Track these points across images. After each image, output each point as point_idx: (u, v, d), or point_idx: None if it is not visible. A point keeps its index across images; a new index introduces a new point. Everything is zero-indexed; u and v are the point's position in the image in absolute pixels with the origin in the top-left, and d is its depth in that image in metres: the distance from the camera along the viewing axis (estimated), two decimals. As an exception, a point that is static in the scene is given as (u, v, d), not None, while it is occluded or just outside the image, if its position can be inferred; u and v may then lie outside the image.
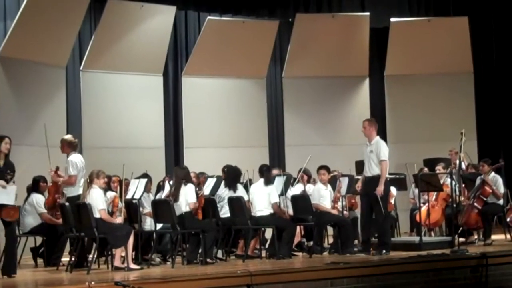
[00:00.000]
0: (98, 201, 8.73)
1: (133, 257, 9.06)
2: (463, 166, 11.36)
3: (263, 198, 9.75)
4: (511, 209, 11.11)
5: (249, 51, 14.60)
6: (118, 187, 9.96)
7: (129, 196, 9.56)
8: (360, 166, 11.44)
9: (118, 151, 13.04)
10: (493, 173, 10.92)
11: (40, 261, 9.87)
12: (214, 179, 10.29)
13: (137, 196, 9.40)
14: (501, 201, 10.82)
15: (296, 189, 10.54)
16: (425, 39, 15.02)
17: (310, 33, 14.82)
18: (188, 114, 14.50)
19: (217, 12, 14.68)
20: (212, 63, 14.45)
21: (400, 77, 15.40)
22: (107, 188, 9.67)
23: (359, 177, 10.50)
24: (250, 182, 10.63)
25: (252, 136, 14.73)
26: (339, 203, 10.56)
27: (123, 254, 8.74)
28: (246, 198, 9.79)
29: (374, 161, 9.37)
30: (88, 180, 8.90)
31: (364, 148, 9.66)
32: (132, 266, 8.63)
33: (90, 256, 9.24)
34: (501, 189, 10.82)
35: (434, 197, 11.14)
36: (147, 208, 9.58)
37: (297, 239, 10.30)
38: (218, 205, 9.82)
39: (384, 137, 9.73)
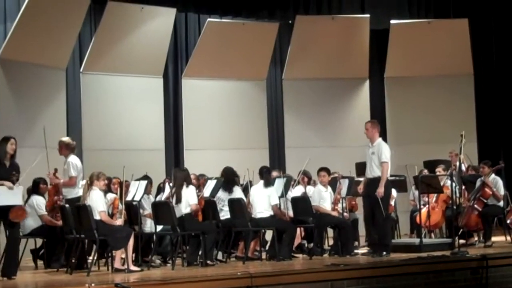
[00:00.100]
0: (98, 203, 8.73)
1: (133, 259, 9.06)
2: (463, 168, 11.38)
3: (263, 200, 9.75)
4: (511, 211, 11.10)
5: (249, 53, 14.61)
6: (118, 189, 9.96)
7: (129, 198, 9.57)
8: (360, 168, 11.47)
9: (118, 153, 13.04)
10: (493, 175, 10.91)
11: (40, 263, 9.87)
12: (214, 181, 10.29)
13: (137, 198, 9.41)
14: (501, 203, 10.81)
15: (296, 191, 10.54)
16: (425, 41, 15.03)
17: (310, 35, 14.83)
18: (188, 116, 14.50)
19: (217, 14, 14.69)
20: (212, 65, 14.45)
21: (400, 79, 15.40)
22: (107, 190, 9.66)
23: (359, 179, 10.52)
24: (251, 184, 10.63)
25: (252, 138, 14.73)
26: (339, 205, 10.57)
27: (123, 256, 8.75)
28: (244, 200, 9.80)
29: (375, 163, 9.37)
30: (89, 182, 8.90)
31: (366, 149, 9.66)
32: (132, 268, 8.63)
33: (90, 258, 9.23)
34: (501, 191, 10.82)
35: (434, 199, 11.15)
36: (147, 210, 9.58)
37: (297, 241, 10.30)
38: (218, 207, 9.83)
39: (384, 139, 9.72)
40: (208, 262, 9.00)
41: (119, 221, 9.14)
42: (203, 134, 14.42)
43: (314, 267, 8.24)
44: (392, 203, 11.42)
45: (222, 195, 9.97)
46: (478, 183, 10.88)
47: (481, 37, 15.94)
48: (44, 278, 8.58)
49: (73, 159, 9.21)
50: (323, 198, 10.09)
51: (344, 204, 10.61)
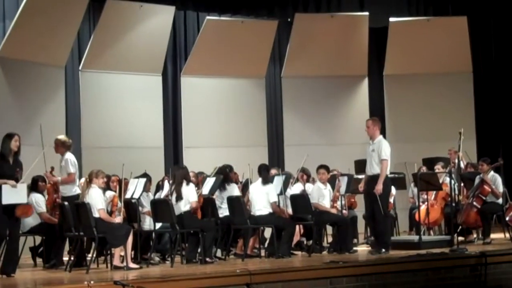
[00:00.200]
0: (97, 200, 8.74)
1: (132, 256, 9.06)
2: (462, 165, 11.39)
3: (261, 198, 9.74)
4: (510, 208, 11.11)
5: (248, 51, 14.60)
6: (117, 187, 9.97)
7: (128, 195, 9.58)
8: (359, 165, 11.46)
9: (117, 151, 13.04)
10: (492, 172, 10.92)
11: (39, 260, 9.87)
12: (213, 179, 10.29)
13: (136, 196, 9.42)
14: (500, 200, 10.82)
15: (295, 189, 10.54)
16: (424, 38, 15.02)
17: (309, 32, 14.82)
18: (187, 114, 14.50)
19: (216, 12, 14.68)
20: (211, 63, 14.45)
21: (399, 77, 15.40)
22: (106, 187, 9.68)
23: (358, 176, 10.52)
24: (250, 181, 10.64)
25: (251, 136, 14.73)
26: (338, 202, 10.58)
27: (122, 253, 8.75)
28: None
29: (375, 160, 9.36)
30: (88, 180, 8.90)
31: (366, 147, 9.66)
32: (131, 265, 8.64)
33: (89, 255, 9.24)
34: (500, 188, 10.82)
35: (433, 196, 11.15)
36: (146, 208, 9.58)
37: (296, 238, 10.29)
38: (217, 204, 9.85)
39: (383, 136, 9.72)
40: (207, 259, 9.00)
41: (118, 219, 9.16)
42: (202, 132, 14.41)
43: (313, 264, 8.26)
44: (391, 200, 11.43)
45: (218, 192, 9.99)
46: (477, 180, 10.88)
47: (480, 34, 15.95)
48: (43, 276, 8.58)
49: (70, 156, 9.21)
50: (322, 195, 10.09)
51: (343, 202, 10.62)
